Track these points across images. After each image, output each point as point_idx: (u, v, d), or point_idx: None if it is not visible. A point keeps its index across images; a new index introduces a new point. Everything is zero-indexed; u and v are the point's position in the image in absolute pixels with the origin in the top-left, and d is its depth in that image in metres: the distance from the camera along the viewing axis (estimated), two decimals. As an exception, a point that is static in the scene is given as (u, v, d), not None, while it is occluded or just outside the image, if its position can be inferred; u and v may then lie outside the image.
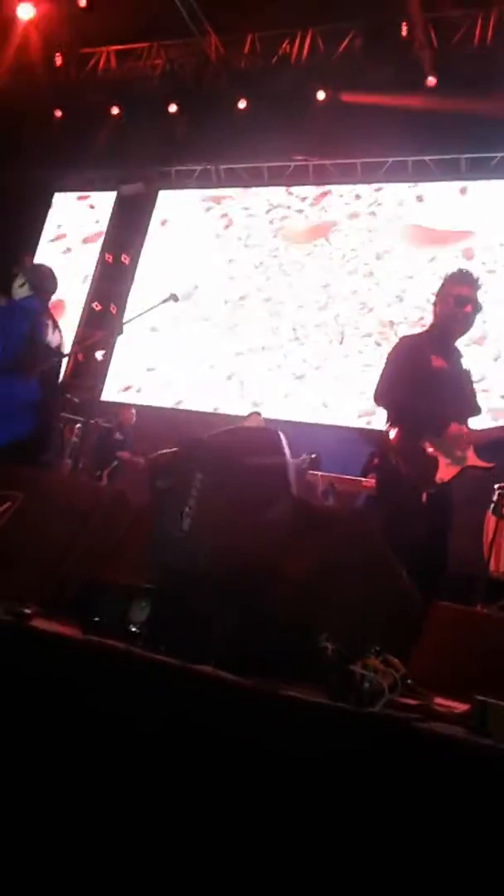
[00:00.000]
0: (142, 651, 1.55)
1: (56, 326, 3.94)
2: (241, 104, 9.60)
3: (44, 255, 11.07)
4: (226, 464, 1.80)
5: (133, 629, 1.63)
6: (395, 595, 1.72)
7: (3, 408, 3.61)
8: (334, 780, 1.28)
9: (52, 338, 3.82)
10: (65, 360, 4.03)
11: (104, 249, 10.72)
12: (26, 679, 1.57)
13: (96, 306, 10.44)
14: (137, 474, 8.13)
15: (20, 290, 3.89)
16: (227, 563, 1.58)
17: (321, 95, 8.99)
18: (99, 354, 8.79)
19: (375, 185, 9.25)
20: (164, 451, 2.18)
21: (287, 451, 2.00)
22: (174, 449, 2.06)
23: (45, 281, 3.96)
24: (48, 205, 11.41)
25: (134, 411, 8.68)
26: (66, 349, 3.96)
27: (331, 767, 1.28)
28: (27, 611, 1.69)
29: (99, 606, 1.71)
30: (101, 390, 9.52)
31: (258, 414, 6.92)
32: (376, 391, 3.29)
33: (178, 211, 10.44)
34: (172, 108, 9.96)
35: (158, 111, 10.16)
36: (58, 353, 3.86)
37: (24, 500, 2.71)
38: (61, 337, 3.96)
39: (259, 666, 1.42)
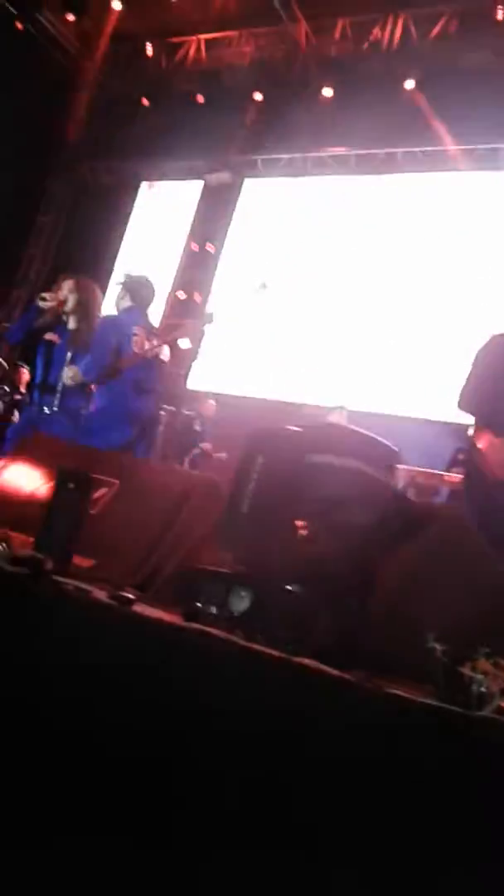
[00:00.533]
0: (243, 641, 1.55)
1: (154, 335, 4.03)
2: (329, 92, 9.52)
3: (129, 243, 11.24)
4: (288, 456, 1.81)
5: (233, 617, 1.64)
6: (500, 593, 1.67)
7: (99, 418, 3.71)
8: (441, 784, 1.26)
9: (146, 347, 3.89)
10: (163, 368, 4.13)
11: (189, 238, 10.79)
12: (129, 664, 1.59)
13: (181, 295, 10.52)
14: (216, 464, 8.22)
15: (122, 303, 4.02)
16: (326, 560, 1.57)
17: (410, 84, 8.84)
18: (184, 343, 8.88)
19: (469, 173, 9.01)
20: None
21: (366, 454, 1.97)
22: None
23: (142, 291, 4.07)
24: (135, 193, 11.54)
25: (214, 402, 8.72)
26: (166, 356, 4.04)
27: (438, 771, 1.26)
28: (130, 595, 1.71)
29: (199, 593, 1.73)
30: (187, 379, 9.61)
31: (342, 408, 6.86)
32: (462, 392, 3.03)
33: (263, 199, 10.42)
34: (259, 97, 9.94)
35: (246, 99, 10.16)
36: (152, 361, 3.93)
37: (120, 487, 2.76)
38: (161, 345, 4.03)
39: (363, 662, 1.41)
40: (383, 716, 1.36)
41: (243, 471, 1.65)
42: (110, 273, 10.20)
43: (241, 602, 1.61)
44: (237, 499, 1.63)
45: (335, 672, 1.42)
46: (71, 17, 10.19)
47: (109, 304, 4.43)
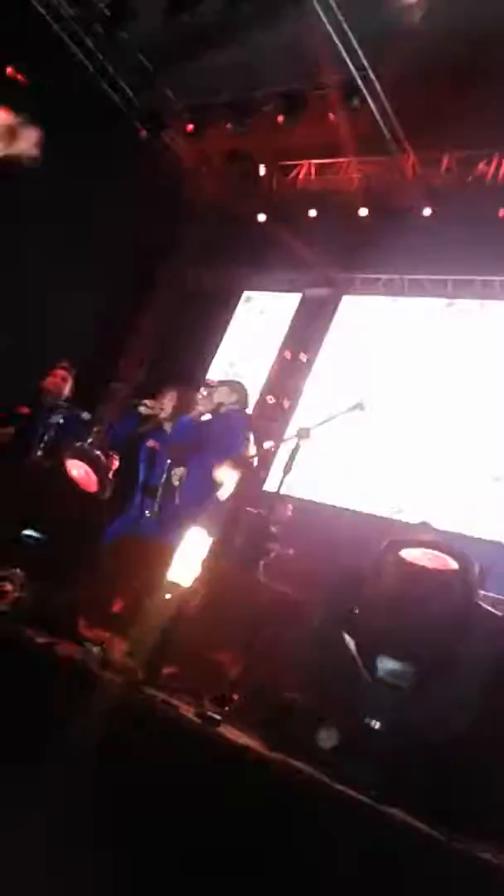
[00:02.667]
0: (330, 780, 1.53)
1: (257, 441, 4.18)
2: (431, 218, 9.85)
3: (225, 348, 11.64)
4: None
5: (320, 752, 1.62)
6: None
7: (195, 511, 3.79)
8: None
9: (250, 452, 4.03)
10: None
11: (283, 346, 11.10)
12: (211, 786, 1.59)
13: (270, 399, 10.76)
14: (288, 567, 8.16)
15: (229, 402, 4.16)
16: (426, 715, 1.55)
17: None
18: (268, 444, 9.03)
19: None
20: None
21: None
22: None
23: (246, 393, 4.24)
24: (235, 301, 12.01)
25: (290, 506, 8.74)
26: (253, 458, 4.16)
27: None
28: (216, 716, 1.72)
29: (285, 722, 1.72)
30: (265, 480, 9.70)
31: (427, 524, 6.78)
32: None
33: (359, 316, 10.70)
34: (365, 220, 10.34)
35: (350, 220, 10.59)
36: (249, 463, 4.05)
37: (205, 596, 2.80)
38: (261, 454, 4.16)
39: (455, 821, 1.37)
40: (471, 881, 1.31)
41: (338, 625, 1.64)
42: (205, 375, 10.57)
43: (328, 739, 1.60)
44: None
45: (423, 827, 1.38)
46: (190, 131, 10.91)
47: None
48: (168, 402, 4.22)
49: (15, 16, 9.61)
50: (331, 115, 9.34)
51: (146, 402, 4.29)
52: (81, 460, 4.07)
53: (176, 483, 3.89)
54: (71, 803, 1.67)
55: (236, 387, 4.20)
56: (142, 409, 4.21)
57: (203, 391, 4.32)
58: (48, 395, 5.43)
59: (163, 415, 4.19)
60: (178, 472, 3.90)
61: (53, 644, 1.89)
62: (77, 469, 4.13)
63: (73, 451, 4.36)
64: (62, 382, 5.50)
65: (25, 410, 5.48)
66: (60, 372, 5.60)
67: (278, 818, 1.47)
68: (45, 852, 1.60)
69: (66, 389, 5.46)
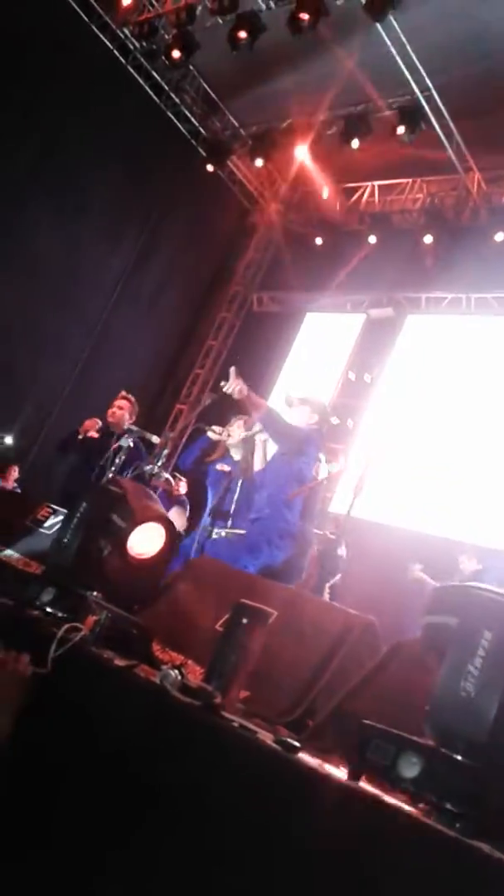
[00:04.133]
0: (411, 811, 1.51)
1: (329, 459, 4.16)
2: (500, 236, 9.74)
3: (289, 370, 11.68)
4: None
5: (401, 781, 1.59)
6: None
7: (265, 533, 3.80)
8: None
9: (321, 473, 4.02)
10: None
11: (347, 367, 11.08)
12: (293, 815, 1.58)
13: (334, 420, 10.72)
14: (351, 588, 8.09)
15: (310, 422, 4.13)
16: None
17: None
18: (334, 467, 9.00)
19: None
20: (446, 585, 2.17)
21: None
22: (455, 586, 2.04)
23: (328, 417, 4.22)
24: (300, 323, 12.06)
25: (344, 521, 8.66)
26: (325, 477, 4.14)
27: None
28: (295, 743, 1.71)
29: (365, 749, 1.69)
30: (331, 501, 9.66)
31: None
32: None
33: (424, 336, 10.62)
34: (428, 240, 10.29)
35: (415, 241, 10.55)
36: (319, 483, 4.04)
37: (278, 619, 2.79)
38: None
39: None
40: None
41: (465, 643, 1.61)
42: (269, 395, 10.60)
43: (411, 768, 1.57)
44: (454, 679, 1.59)
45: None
46: (258, 163, 11.05)
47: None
48: (236, 429, 4.26)
49: (84, 51, 9.94)
50: (395, 136, 9.31)
51: (214, 427, 4.33)
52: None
53: (245, 504, 3.92)
54: (157, 830, 1.68)
55: (318, 407, 4.16)
56: (211, 435, 4.26)
57: (284, 407, 4.28)
58: (111, 425, 5.61)
59: (231, 440, 4.23)
60: (248, 493, 3.92)
61: (133, 667, 1.92)
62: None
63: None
64: (121, 412, 5.68)
65: (94, 435, 5.65)
66: (121, 402, 5.79)
67: (360, 847, 1.45)
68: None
69: (127, 418, 5.62)
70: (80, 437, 5.64)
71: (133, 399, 5.82)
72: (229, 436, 4.24)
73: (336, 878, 1.50)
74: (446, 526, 8.79)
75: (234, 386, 3.92)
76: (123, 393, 5.91)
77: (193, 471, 4.88)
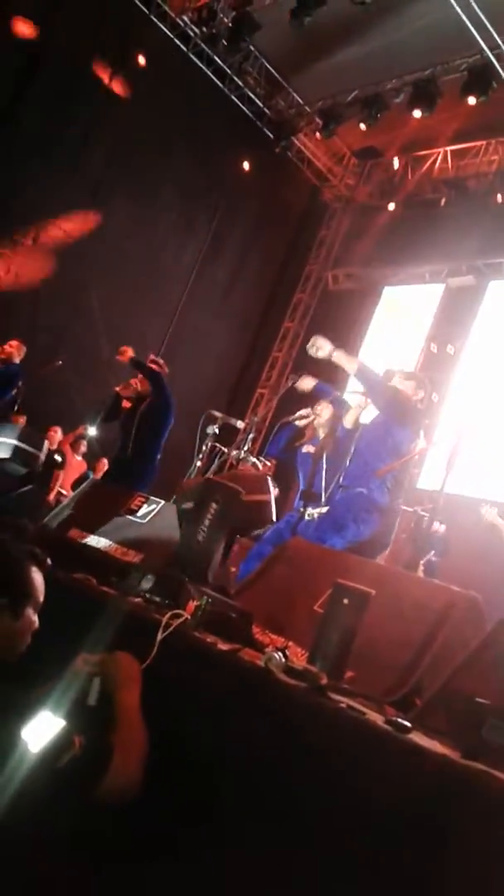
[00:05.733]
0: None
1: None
2: None
3: (369, 346, 11.51)
4: None
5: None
6: None
7: (352, 509, 3.76)
8: None
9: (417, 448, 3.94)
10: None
11: (429, 339, 10.85)
12: (405, 798, 1.55)
13: (435, 397, 10.53)
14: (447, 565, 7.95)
15: (416, 397, 4.05)
16: None
17: None
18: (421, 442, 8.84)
19: None
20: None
21: None
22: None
23: (429, 389, 4.13)
24: (377, 298, 11.87)
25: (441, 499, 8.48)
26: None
27: None
28: (406, 723, 1.68)
29: (480, 727, 1.65)
30: (419, 477, 9.49)
31: None
32: None
33: (508, 302, 10.29)
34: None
35: (492, 205, 10.22)
36: (412, 457, 3.96)
37: (376, 597, 2.76)
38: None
39: None
40: None
41: None
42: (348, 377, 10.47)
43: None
44: None
45: None
46: (321, 133, 10.92)
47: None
48: (324, 408, 4.23)
49: (145, 42, 9.98)
50: (465, 99, 9.00)
51: (301, 412, 4.32)
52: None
53: (338, 486, 3.88)
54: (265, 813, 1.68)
55: (422, 382, 4.07)
56: (298, 423, 4.25)
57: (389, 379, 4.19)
58: (143, 392, 5.83)
59: (318, 422, 4.20)
60: (335, 467, 3.88)
61: (237, 651, 1.92)
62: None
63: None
64: None
65: (126, 404, 5.84)
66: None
67: (472, 825, 1.41)
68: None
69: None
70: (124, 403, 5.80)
71: (162, 362, 5.96)
72: (318, 416, 4.21)
73: (457, 862, 1.47)
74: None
75: (319, 346, 3.88)
76: (152, 356, 6.08)
77: (282, 458, 4.87)
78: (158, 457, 5.69)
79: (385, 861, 1.54)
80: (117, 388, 5.96)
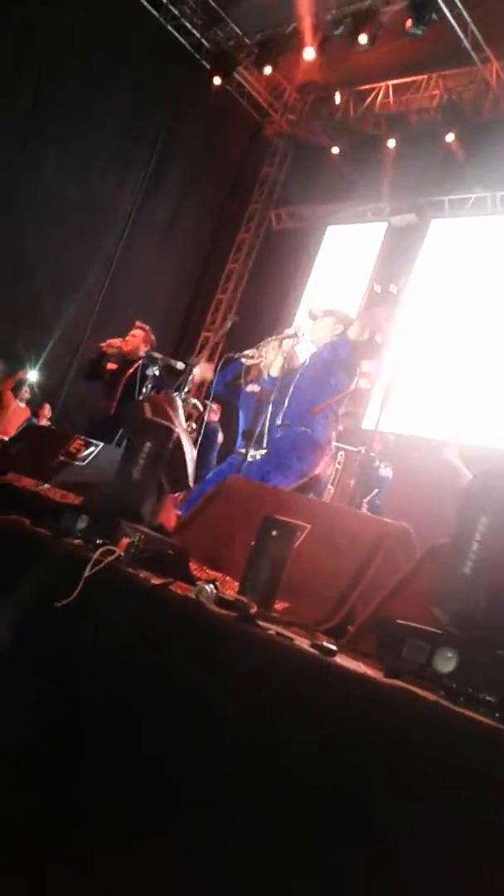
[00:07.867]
0: (451, 705, 1.52)
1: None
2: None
3: (313, 286, 11.46)
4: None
5: (438, 677, 1.61)
6: None
7: (295, 448, 3.80)
8: None
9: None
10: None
11: (372, 279, 10.84)
12: (330, 718, 1.61)
13: (378, 337, 10.55)
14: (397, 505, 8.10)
15: (334, 333, 4.09)
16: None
17: None
18: (364, 382, 8.90)
19: None
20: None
21: None
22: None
23: (349, 323, 4.17)
24: (320, 237, 11.78)
25: (391, 439, 8.60)
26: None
27: None
28: (332, 646, 1.73)
29: (400, 649, 1.71)
30: (363, 417, 9.59)
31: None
32: None
33: (450, 240, 10.31)
34: (450, 138, 9.87)
35: (435, 141, 10.14)
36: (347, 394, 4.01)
37: (312, 531, 2.81)
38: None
39: None
40: None
41: (464, 530, 1.62)
42: (294, 314, 10.45)
43: (447, 663, 1.58)
44: (458, 560, 1.61)
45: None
46: (266, 72, 10.64)
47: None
48: (271, 349, 4.22)
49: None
50: (405, 31, 8.84)
51: (247, 352, 4.31)
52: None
53: (278, 425, 3.91)
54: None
55: (342, 316, 4.11)
56: (244, 361, 4.24)
57: (308, 322, 4.25)
58: (126, 354, 5.72)
59: (263, 363, 4.20)
60: (280, 414, 3.91)
61: (168, 584, 1.94)
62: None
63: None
64: (134, 339, 5.79)
65: (112, 366, 5.76)
66: (135, 331, 5.89)
67: (398, 743, 1.47)
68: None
69: (142, 346, 5.75)
70: (108, 364, 5.74)
71: (148, 328, 5.90)
72: (262, 357, 4.21)
73: (369, 775, 1.53)
74: (481, 434, 8.69)
75: None
76: (138, 323, 6.00)
77: (225, 395, 4.87)
78: None
79: (315, 784, 1.59)
80: (102, 345, 5.88)
